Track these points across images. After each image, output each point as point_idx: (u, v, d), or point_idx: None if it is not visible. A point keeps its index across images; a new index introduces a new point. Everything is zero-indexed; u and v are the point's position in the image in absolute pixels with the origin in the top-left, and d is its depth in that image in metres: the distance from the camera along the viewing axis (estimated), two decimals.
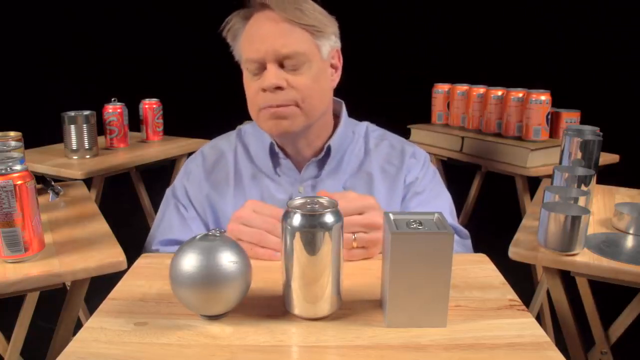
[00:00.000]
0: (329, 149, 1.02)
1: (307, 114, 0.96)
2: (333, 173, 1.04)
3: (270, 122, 0.96)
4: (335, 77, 1.03)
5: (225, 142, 1.10)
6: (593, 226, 1.08)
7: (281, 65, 0.93)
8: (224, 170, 1.06)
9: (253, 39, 0.95)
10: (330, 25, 0.98)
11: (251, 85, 0.97)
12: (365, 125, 1.12)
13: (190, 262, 0.62)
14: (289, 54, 0.92)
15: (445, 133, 1.96)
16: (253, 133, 1.08)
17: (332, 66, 1.01)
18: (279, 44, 0.92)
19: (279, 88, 0.93)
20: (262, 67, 0.94)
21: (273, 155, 1.03)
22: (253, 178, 1.04)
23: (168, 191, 1.08)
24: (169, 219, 1.04)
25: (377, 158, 1.06)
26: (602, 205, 1.22)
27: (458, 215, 2.10)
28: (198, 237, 0.65)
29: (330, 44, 0.99)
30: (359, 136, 1.09)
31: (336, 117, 1.07)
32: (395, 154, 1.07)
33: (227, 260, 0.62)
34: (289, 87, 0.93)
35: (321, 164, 1.03)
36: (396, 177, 1.04)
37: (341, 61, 1.04)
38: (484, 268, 0.81)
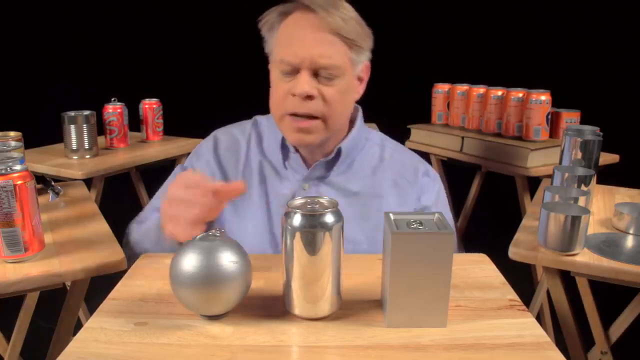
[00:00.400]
0: (339, 151, 1.01)
1: (330, 128, 0.97)
2: (341, 175, 1.03)
3: (294, 135, 0.96)
4: (359, 89, 1.02)
5: (240, 130, 1.09)
6: (593, 226, 1.08)
7: (315, 73, 0.93)
8: (235, 157, 1.05)
9: (292, 41, 0.93)
10: (367, 40, 0.98)
11: (280, 86, 0.95)
12: (379, 134, 1.11)
13: (190, 262, 0.62)
14: (326, 65, 0.92)
15: (445, 133, 1.96)
16: (267, 125, 1.07)
17: (359, 78, 1.01)
18: (318, 53, 0.91)
19: (309, 97, 0.92)
20: (295, 71, 0.93)
21: (284, 148, 1.03)
22: (260, 170, 1.03)
23: (177, 168, 1.09)
24: None
25: (391, 170, 1.05)
26: (602, 205, 1.22)
27: (458, 216, 2.11)
28: (198, 237, 0.65)
29: (363, 59, 0.99)
30: (373, 143, 1.08)
31: (351, 121, 1.06)
32: (408, 168, 1.05)
33: (227, 260, 0.62)
34: (318, 97, 0.93)
35: (330, 165, 1.02)
36: (408, 192, 1.03)
37: (368, 74, 1.03)
38: (484, 268, 0.81)
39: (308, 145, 0.99)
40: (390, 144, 1.10)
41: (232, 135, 1.08)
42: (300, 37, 0.93)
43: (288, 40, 0.94)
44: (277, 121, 0.99)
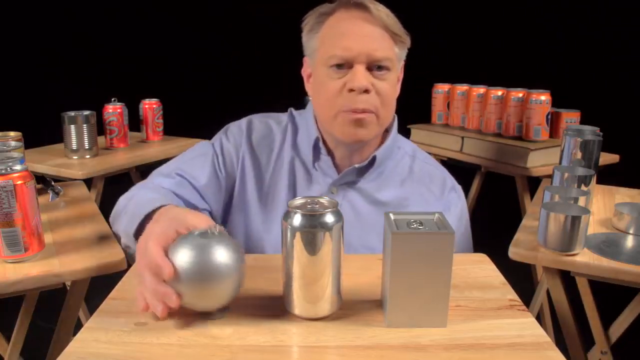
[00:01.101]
0: (373, 158, 1.00)
1: (381, 123, 0.96)
2: (371, 183, 1.01)
3: (348, 130, 0.94)
4: (397, 88, 1.02)
5: (276, 121, 1.06)
6: (593, 226, 1.08)
7: (368, 68, 0.92)
8: (269, 148, 1.03)
9: (344, 36, 0.92)
10: (407, 37, 0.98)
11: (330, 84, 0.94)
12: (411, 144, 1.10)
13: (183, 257, 0.62)
14: (381, 58, 0.92)
15: (445, 133, 1.96)
16: (300, 121, 1.05)
17: (397, 77, 1.01)
18: (374, 47, 0.91)
19: (366, 91, 0.92)
20: (347, 66, 0.92)
21: (315, 149, 1.01)
22: (291, 167, 1.02)
23: (204, 143, 1.05)
24: (202, 165, 1.00)
25: (420, 182, 1.03)
26: (602, 205, 1.22)
27: None
28: (195, 233, 0.65)
29: (403, 57, 0.99)
30: (405, 153, 1.06)
31: (386, 130, 1.05)
32: (436, 182, 1.05)
33: (220, 256, 0.62)
34: (373, 91, 0.92)
35: (361, 172, 1.01)
36: (433, 205, 1.02)
37: (402, 74, 1.03)
38: (484, 268, 0.81)
39: (360, 141, 0.96)
40: (421, 155, 1.09)
41: (267, 125, 1.06)
42: (352, 31, 0.92)
43: (338, 37, 0.93)
44: (329, 120, 0.96)
